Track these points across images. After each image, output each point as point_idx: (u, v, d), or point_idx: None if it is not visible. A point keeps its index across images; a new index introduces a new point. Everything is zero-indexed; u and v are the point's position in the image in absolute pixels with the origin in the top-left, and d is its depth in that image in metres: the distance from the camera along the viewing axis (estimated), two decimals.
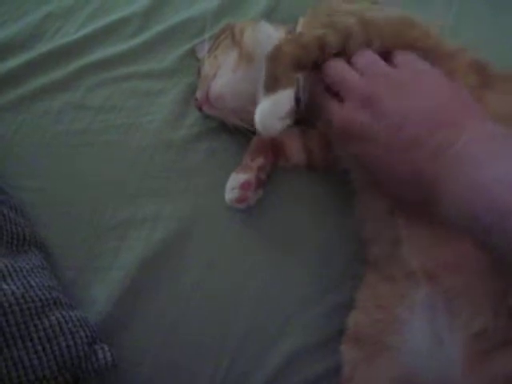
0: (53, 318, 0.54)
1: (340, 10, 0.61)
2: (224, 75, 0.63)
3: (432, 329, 0.52)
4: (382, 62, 0.53)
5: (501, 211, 0.39)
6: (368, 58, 0.53)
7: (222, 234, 0.65)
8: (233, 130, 0.67)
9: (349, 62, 0.54)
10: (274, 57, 0.53)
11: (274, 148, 0.65)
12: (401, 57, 0.53)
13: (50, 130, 0.70)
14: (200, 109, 0.66)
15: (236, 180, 0.63)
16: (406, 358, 0.52)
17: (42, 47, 0.75)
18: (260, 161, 0.64)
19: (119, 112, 0.71)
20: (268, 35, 0.65)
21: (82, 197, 0.67)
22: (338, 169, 0.65)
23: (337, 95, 0.53)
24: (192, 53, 0.74)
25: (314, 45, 0.53)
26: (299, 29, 0.65)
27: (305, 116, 0.60)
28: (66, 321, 0.54)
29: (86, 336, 0.54)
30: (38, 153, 0.69)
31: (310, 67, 0.54)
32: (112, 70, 0.74)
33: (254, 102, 0.63)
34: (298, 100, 0.54)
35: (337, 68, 0.53)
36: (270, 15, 0.75)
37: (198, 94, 0.66)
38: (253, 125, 0.63)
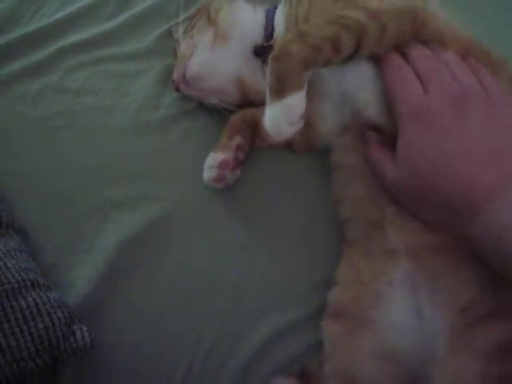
0: (30, 299, 0.53)
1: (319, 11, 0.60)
2: (201, 54, 0.63)
3: (412, 304, 0.53)
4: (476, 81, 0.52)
5: None
6: (464, 69, 0.53)
7: (204, 215, 0.65)
8: (211, 110, 0.67)
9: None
10: (280, 58, 0.51)
11: (250, 127, 0.65)
12: (488, 79, 0.53)
13: (29, 114, 0.70)
14: (177, 89, 0.65)
15: (214, 159, 0.62)
16: (387, 333, 0.53)
17: (19, 30, 0.74)
18: (238, 140, 0.63)
19: (98, 94, 0.70)
20: (245, 15, 0.64)
21: (62, 179, 0.66)
22: (315, 149, 0.65)
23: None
24: (169, 34, 0.73)
25: (328, 45, 0.51)
26: (281, 9, 0.64)
27: None
28: (43, 302, 0.54)
29: (64, 317, 0.54)
30: (16, 136, 0.69)
31: (321, 67, 0.53)
32: (90, 52, 0.73)
33: (231, 81, 0.63)
34: None
35: (433, 61, 0.53)
36: None
37: (175, 75, 0.65)
38: (231, 104, 0.63)
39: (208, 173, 0.62)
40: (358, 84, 0.57)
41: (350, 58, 0.53)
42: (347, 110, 0.59)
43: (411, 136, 0.51)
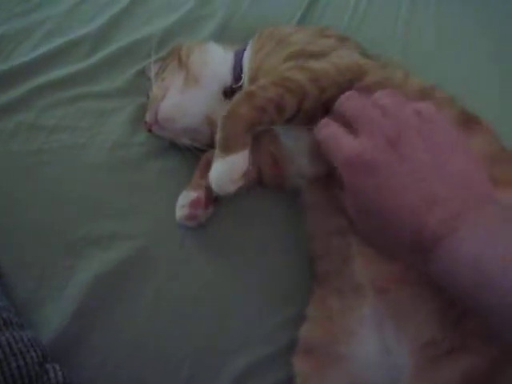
0: (3, 338, 0.54)
1: (288, 39, 0.63)
2: (172, 97, 0.65)
3: (380, 339, 0.53)
4: (409, 108, 0.50)
5: (502, 291, 0.40)
6: (395, 100, 0.51)
7: (178, 251, 0.66)
8: (183, 150, 0.69)
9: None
10: (229, 118, 0.54)
11: None
12: (424, 108, 0.51)
13: (3, 150, 0.70)
14: (150, 130, 0.67)
15: (186, 198, 0.64)
16: (356, 368, 0.54)
17: None
18: None
19: (73, 132, 0.72)
20: (215, 57, 0.67)
21: (36, 216, 0.67)
22: (286, 187, 0.67)
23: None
24: (143, 73, 0.75)
25: (271, 107, 0.54)
26: (248, 53, 0.66)
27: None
28: (15, 341, 0.54)
29: (37, 355, 0.55)
30: None
31: (266, 127, 0.56)
32: (65, 90, 0.75)
33: (202, 122, 0.65)
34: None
35: (356, 100, 0.52)
36: (219, 36, 0.77)
37: (147, 117, 0.67)
38: (203, 144, 0.65)
39: (180, 211, 0.64)
40: (297, 146, 0.61)
41: (293, 118, 0.56)
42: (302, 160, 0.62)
43: (351, 184, 0.50)
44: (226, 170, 0.54)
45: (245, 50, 0.68)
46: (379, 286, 0.54)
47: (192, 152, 0.68)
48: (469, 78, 0.80)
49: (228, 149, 0.54)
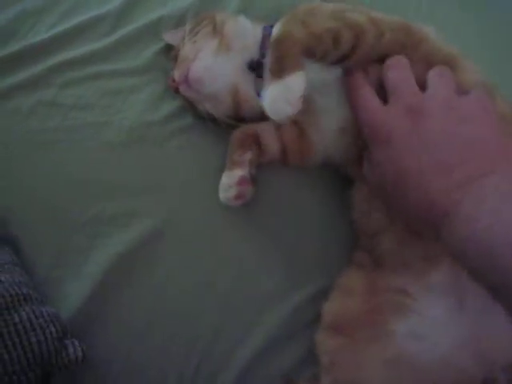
0: (23, 313, 0.54)
1: (322, 9, 0.62)
2: (205, 59, 0.64)
3: (454, 303, 0.53)
4: (451, 86, 0.52)
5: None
6: (442, 75, 0.53)
7: (194, 231, 0.66)
8: (204, 127, 0.68)
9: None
10: (281, 39, 0.53)
11: (255, 142, 0.65)
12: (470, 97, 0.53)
13: (22, 128, 0.70)
14: (177, 90, 0.66)
15: (231, 177, 0.62)
16: (403, 342, 0.54)
17: (15, 45, 0.74)
18: (249, 155, 0.63)
19: (92, 110, 0.71)
20: (246, 29, 0.66)
21: (54, 194, 0.67)
22: (310, 162, 0.66)
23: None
24: (164, 51, 0.74)
25: (328, 36, 0.53)
26: (277, 29, 0.65)
27: None
28: (36, 316, 0.54)
29: (57, 331, 0.55)
30: (9, 151, 0.69)
31: (318, 57, 0.54)
32: (85, 68, 0.73)
33: (227, 90, 0.64)
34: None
35: (402, 71, 0.53)
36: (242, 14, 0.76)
37: (176, 75, 0.66)
38: (220, 113, 0.65)
39: (227, 192, 0.62)
40: (334, 103, 0.60)
41: (343, 59, 0.55)
42: (334, 125, 0.61)
43: (374, 153, 0.53)
44: (283, 92, 0.51)
45: (272, 26, 0.67)
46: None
47: (211, 125, 0.67)
48: None
49: (283, 70, 0.51)
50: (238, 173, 0.62)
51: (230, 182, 0.62)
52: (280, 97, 0.52)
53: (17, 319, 0.53)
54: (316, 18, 0.55)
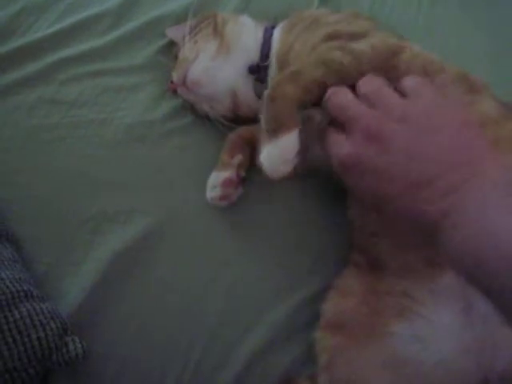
0: (24, 309, 0.54)
1: (323, 20, 0.63)
2: (203, 61, 0.64)
3: (450, 318, 0.53)
4: (390, 91, 0.51)
5: (509, 257, 0.39)
6: (374, 86, 0.52)
7: (194, 229, 0.66)
8: (204, 127, 0.69)
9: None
10: (276, 98, 0.53)
11: (249, 145, 0.66)
12: (410, 83, 0.51)
13: (23, 125, 0.70)
14: (175, 91, 0.67)
15: (217, 178, 0.63)
16: (403, 344, 0.54)
17: (15, 42, 0.75)
18: (239, 158, 0.64)
19: (92, 107, 0.71)
20: (248, 31, 0.66)
21: (54, 191, 0.67)
22: (311, 168, 0.66)
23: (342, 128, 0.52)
24: (164, 49, 0.75)
25: (316, 87, 0.53)
26: (279, 33, 0.66)
27: None
28: (36, 313, 0.55)
29: (57, 328, 0.55)
30: (10, 147, 0.69)
31: (309, 106, 0.55)
32: (85, 65, 0.74)
33: (226, 92, 0.65)
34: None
35: (340, 97, 0.52)
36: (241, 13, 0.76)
37: (175, 76, 0.66)
38: (219, 114, 0.66)
39: (212, 192, 0.63)
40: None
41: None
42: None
43: (351, 182, 0.52)
44: (278, 152, 0.53)
45: (274, 27, 0.68)
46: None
47: (213, 124, 0.68)
48: None
49: (278, 130, 0.53)
50: (224, 174, 0.63)
51: (215, 182, 0.63)
52: (276, 158, 0.53)
53: (17, 316, 0.53)
54: (304, 65, 0.55)
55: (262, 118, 0.54)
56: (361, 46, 0.56)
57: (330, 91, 0.53)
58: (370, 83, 0.52)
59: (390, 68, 0.55)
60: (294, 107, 0.53)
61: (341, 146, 0.50)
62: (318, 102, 0.54)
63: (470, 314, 0.52)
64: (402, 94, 0.50)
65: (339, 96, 0.52)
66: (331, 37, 0.59)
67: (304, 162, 0.63)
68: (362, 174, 0.49)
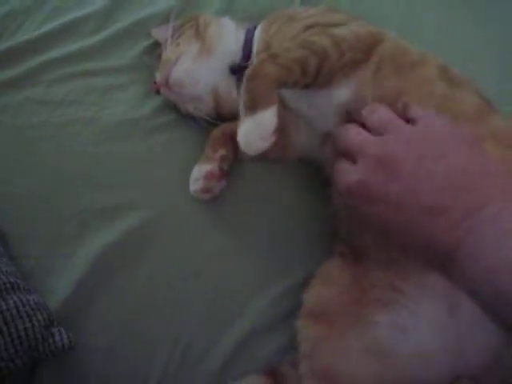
0: (10, 301, 0.55)
1: (299, 16, 0.65)
2: (185, 62, 0.66)
3: (433, 313, 0.53)
4: (397, 118, 0.51)
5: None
6: (381, 114, 0.52)
7: (180, 224, 0.67)
8: (189, 123, 0.70)
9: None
10: (254, 77, 0.54)
11: (232, 140, 0.66)
12: (418, 111, 0.51)
13: (9, 124, 0.71)
14: (158, 91, 0.68)
15: (200, 171, 0.64)
16: (386, 332, 0.54)
17: (3, 44, 0.76)
18: (222, 152, 0.65)
19: (79, 106, 0.73)
20: (229, 32, 0.68)
21: (42, 187, 0.68)
22: (290, 159, 0.68)
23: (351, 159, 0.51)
24: (150, 49, 0.76)
25: (297, 67, 0.55)
26: (259, 33, 0.68)
27: None
28: (23, 304, 0.55)
29: (44, 319, 0.56)
30: None
31: (290, 86, 0.56)
32: (72, 66, 0.75)
33: (208, 92, 0.67)
34: None
35: (350, 131, 0.52)
36: (223, 15, 0.78)
37: (158, 77, 0.68)
38: (204, 113, 0.67)
39: (194, 185, 0.64)
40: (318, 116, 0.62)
41: (312, 82, 0.57)
42: (314, 134, 0.64)
43: (358, 208, 0.51)
44: (255, 127, 0.53)
45: (255, 28, 0.69)
46: None
47: (196, 123, 0.69)
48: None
49: (256, 107, 0.53)
50: (206, 167, 0.64)
51: (197, 175, 0.64)
52: (253, 132, 0.53)
53: (4, 307, 0.54)
54: (284, 48, 0.57)
55: (241, 96, 0.55)
56: (341, 30, 0.58)
57: (339, 128, 0.54)
58: (375, 111, 0.53)
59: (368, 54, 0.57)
60: (273, 85, 0.54)
61: (349, 173, 0.50)
62: (297, 82, 0.56)
63: (455, 314, 0.52)
64: (409, 121, 0.51)
65: (349, 129, 0.53)
66: (310, 27, 0.61)
67: (288, 149, 0.65)
68: (370, 200, 0.48)
